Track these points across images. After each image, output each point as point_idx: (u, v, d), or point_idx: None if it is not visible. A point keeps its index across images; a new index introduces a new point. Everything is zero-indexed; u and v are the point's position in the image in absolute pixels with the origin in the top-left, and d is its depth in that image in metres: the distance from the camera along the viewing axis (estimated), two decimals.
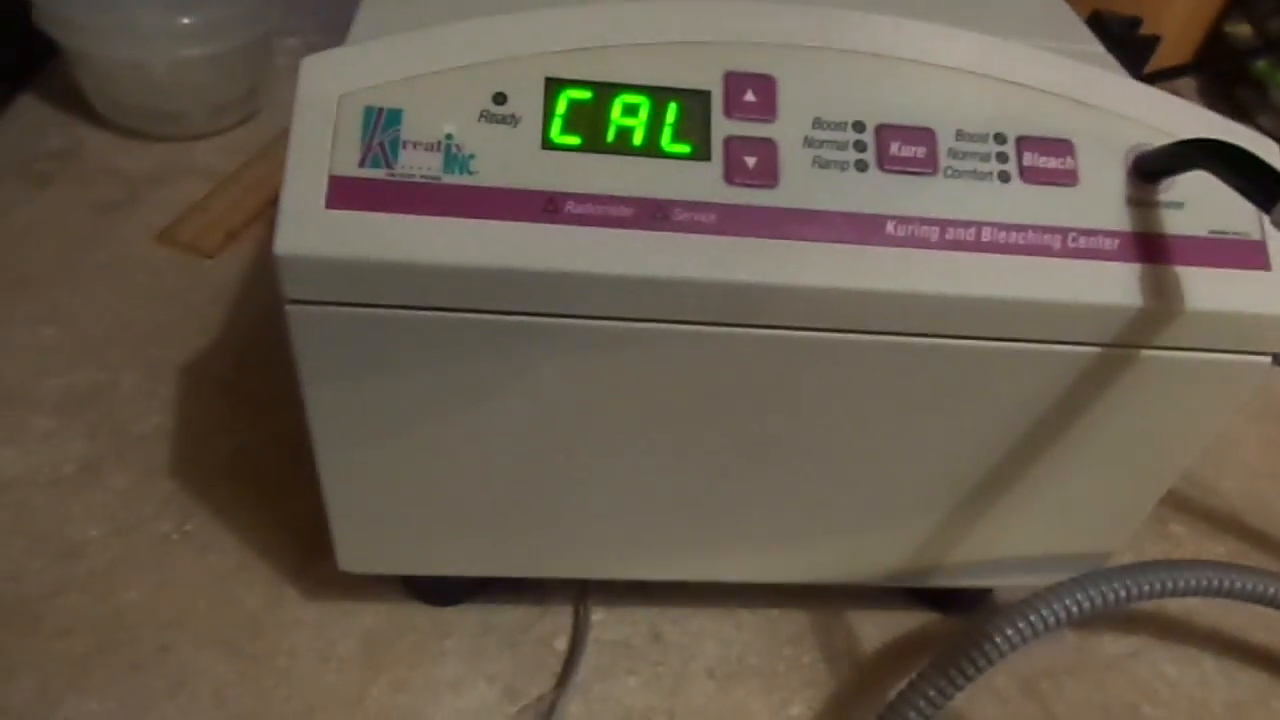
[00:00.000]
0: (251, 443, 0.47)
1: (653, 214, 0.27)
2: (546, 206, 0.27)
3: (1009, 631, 0.36)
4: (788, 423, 0.32)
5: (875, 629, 0.43)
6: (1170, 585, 0.39)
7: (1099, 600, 0.37)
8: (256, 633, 0.40)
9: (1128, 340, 0.30)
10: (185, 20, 0.58)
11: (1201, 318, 0.29)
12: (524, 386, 0.30)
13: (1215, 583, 0.40)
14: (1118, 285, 0.29)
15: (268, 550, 0.43)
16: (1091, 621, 0.45)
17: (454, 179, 0.27)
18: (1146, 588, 0.38)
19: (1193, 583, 0.39)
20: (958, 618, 0.44)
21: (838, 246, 0.28)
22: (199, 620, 0.40)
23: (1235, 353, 0.30)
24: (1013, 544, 0.38)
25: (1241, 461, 0.54)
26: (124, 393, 0.49)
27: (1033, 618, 0.36)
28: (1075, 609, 0.37)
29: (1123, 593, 0.38)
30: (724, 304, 0.28)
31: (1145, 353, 0.30)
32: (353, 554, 0.36)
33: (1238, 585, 0.40)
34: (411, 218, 0.26)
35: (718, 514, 0.36)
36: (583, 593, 0.43)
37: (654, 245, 0.27)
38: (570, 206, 0.27)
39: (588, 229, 0.27)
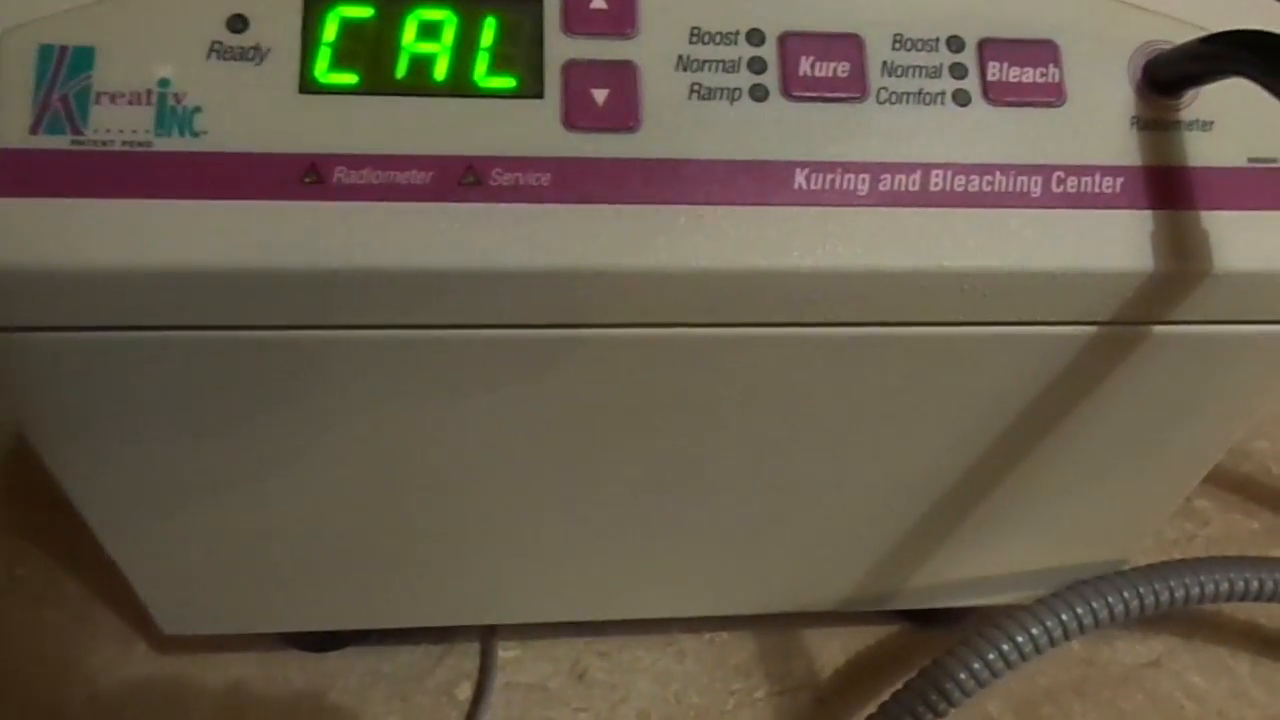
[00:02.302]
0: None
1: (460, 178, 0.19)
2: (307, 175, 0.19)
3: (990, 657, 0.29)
4: (689, 438, 0.24)
5: (841, 650, 0.37)
6: (1196, 592, 0.32)
7: (1104, 614, 0.31)
8: (97, 700, 0.34)
9: (1140, 315, 0.22)
10: None
11: (1240, 280, 0.21)
12: (319, 417, 0.22)
13: (1256, 584, 0.33)
14: (1124, 242, 0.21)
15: (114, 595, 0.36)
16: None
17: (172, 143, 0.19)
18: (1166, 595, 0.31)
19: (1224, 586, 0.32)
20: (940, 631, 0.37)
21: (726, 210, 0.20)
22: (30, 688, 0.34)
23: None
24: (1005, 559, 0.31)
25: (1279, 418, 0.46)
26: None
27: (1019, 638, 0.30)
28: (1075, 624, 0.30)
29: (1135, 603, 0.31)
30: (567, 301, 0.20)
31: (1163, 330, 0.22)
32: (172, 616, 0.29)
33: (1273, 585, 0.33)
34: (109, 203, 0.19)
35: (634, 546, 0.29)
36: (491, 627, 0.36)
37: (463, 223, 0.19)
38: (341, 174, 0.19)
39: (366, 205, 0.19)
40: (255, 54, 0.20)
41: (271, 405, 0.22)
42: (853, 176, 0.20)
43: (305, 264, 0.19)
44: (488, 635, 0.36)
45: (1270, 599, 0.33)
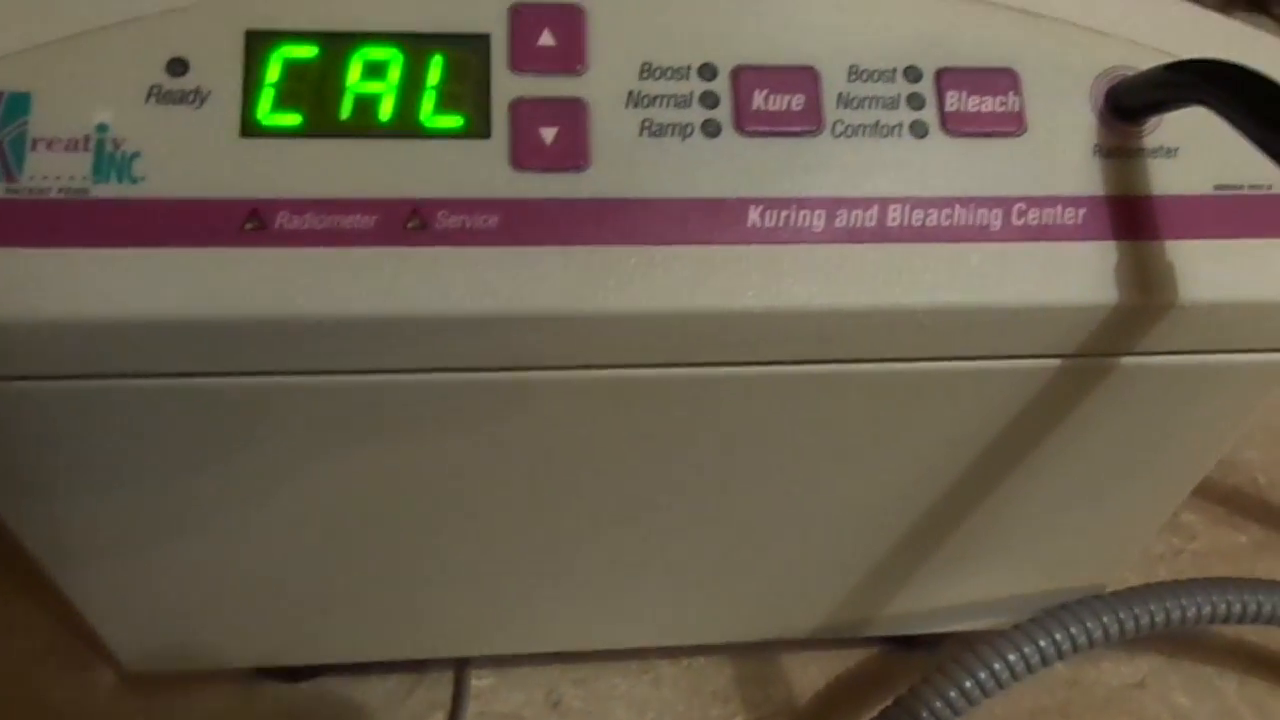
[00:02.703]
0: None
1: (405, 221, 0.19)
2: (248, 221, 0.19)
3: (967, 685, 0.29)
4: (652, 476, 0.24)
5: (820, 674, 0.36)
6: (1178, 615, 0.31)
7: (1083, 639, 0.30)
8: None
9: (1107, 348, 0.21)
10: None
11: (1208, 311, 0.21)
12: (274, 462, 0.22)
13: (1239, 607, 0.32)
14: (1087, 275, 0.20)
15: (84, 625, 0.36)
16: None
17: (110, 190, 0.19)
18: (1147, 620, 0.31)
19: (1206, 609, 0.32)
20: (922, 654, 0.36)
21: (678, 250, 0.19)
22: None
23: (1256, 351, 0.22)
24: (984, 586, 0.30)
25: (1268, 426, 0.45)
26: None
27: (996, 666, 0.29)
28: (1054, 650, 0.30)
29: (1115, 628, 0.31)
30: (517, 345, 0.20)
31: (1132, 361, 0.22)
32: (136, 653, 0.29)
33: (1256, 607, 0.32)
34: (45, 253, 0.18)
35: (605, 579, 0.28)
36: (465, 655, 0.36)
37: (409, 268, 0.19)
38: (283, 219, 0.19)
39: (309, 251, 0.19)
40: (195, 97, 0.19)
41: (224, 452, 0.21)
42: (808, 213, 0.20)
43: (247, 312, 0.18)
44: (461, 664, 0.36)
45: (1254, 621, 0.32)
